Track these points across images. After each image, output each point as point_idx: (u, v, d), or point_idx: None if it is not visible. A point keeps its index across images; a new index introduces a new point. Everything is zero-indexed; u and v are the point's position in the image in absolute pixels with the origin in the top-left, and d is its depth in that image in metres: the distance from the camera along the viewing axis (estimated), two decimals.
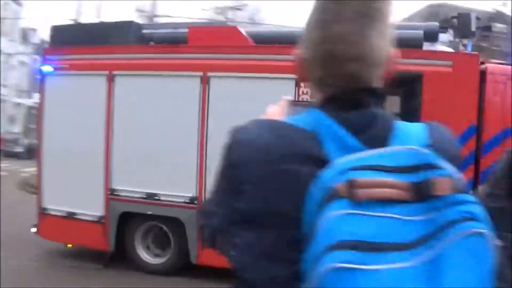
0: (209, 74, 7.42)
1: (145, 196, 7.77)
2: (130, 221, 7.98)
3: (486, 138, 6.63)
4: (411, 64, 6.36)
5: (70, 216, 8.02)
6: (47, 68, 8.13)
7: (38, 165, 8.35)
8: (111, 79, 7.90)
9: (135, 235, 8.06)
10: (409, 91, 6.89)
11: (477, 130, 6.60)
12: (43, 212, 8.26)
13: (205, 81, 7.42)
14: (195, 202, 7.47)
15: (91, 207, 7.88)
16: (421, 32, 7.14)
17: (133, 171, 7.69)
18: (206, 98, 7.40)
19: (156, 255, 8.16)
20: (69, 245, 8.45)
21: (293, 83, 6.84)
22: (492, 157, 6.07)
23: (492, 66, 6.95)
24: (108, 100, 7.88)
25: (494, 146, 6.57)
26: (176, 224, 7.69)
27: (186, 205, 7.51)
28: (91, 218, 7.94)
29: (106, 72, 7.92)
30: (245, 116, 1.33)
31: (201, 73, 7.44)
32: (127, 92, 7.81)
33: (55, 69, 8.06)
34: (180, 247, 7.83)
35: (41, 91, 8.32)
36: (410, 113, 6.47)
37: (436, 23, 7.93)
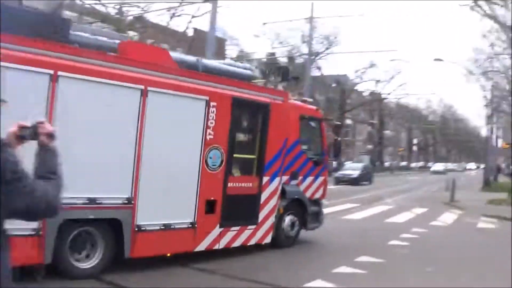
0: (149, 88, 8.85)
1: (85, 201, 8.20)
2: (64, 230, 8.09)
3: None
4: (263, 97, 11.14)
5: None
6: None
7: None
8: (55, 80, 7.72)
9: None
10: (262, 114, 11.19)
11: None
12: None
13: (145, 94, 8.78)
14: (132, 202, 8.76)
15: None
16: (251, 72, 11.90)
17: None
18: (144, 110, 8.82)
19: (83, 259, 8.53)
20: None
21: (204, 102, 9.73)
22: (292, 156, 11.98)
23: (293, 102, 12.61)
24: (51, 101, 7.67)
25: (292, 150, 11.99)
26: (108, 224, 8.60)
27: (124, 205, 8.68)
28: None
29: (51, 72, 7.67)
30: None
31: (142, 87, 8.76)
32: (71, 94, 7.84)
33: None
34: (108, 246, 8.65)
35: None
36: (263, 127, 11.19)
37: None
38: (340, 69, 72.12)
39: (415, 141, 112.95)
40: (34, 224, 7.45)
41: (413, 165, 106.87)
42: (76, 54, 8.00)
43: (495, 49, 42.41)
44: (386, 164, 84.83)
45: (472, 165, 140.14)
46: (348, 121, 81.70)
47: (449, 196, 27.75)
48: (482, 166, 65.41)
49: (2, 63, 6.60)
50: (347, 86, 67.59)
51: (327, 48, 51.93)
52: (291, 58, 51.54)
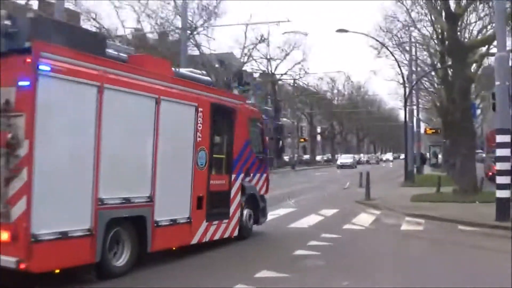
0: (161, 97, 12.21)
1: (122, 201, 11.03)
2: None
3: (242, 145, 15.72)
4: (230, 102, 15.11)
5: None
6: (43, 67, 9.22)
7: None
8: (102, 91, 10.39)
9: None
10: (230, 117, 15.04)
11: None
12: None
13: (159, 102, 12.12)
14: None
15: None
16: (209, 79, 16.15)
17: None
18: None
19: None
20: None
21: (194, 108, 13.27)
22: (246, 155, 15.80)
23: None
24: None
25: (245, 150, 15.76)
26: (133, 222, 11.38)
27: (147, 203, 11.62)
28: None
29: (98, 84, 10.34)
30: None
31: (156, 96, 11.99)
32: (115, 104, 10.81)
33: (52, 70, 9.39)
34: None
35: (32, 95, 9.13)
36: (230, 129, 15.12)
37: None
38: (224, 46, 72.45)
39: (318, 129, 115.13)
40: (87, 225, 9.99)
41: (318, 158, 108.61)
42: (116, 68, 10.95)
43: (413, 16, 43.61)
44: (285, 158, 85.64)
45: (389, 156, 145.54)
46: None
47: (364, 194, 28.03)
48: (402, 156, 67.47)
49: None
50: (233, 67, 67.51)
51: (205, 21, 51.20)
52: (163, 34, 50.47)
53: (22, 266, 8.90)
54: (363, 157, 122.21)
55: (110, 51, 11.84)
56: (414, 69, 51.12)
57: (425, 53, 53.70)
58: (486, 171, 39.28)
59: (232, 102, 15.49)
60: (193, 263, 12.57)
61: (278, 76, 76.95)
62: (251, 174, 16.40)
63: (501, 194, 18.34)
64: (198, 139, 13.43)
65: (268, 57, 71.04)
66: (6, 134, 9.15)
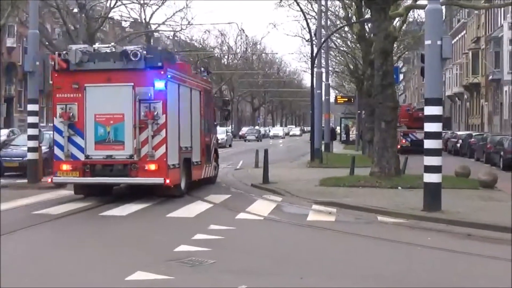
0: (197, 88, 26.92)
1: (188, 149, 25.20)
2: None
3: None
4: (208, 86, 29.68)
5: None
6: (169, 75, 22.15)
7: None
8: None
9: None
10: (209, 96, 29.26)
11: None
12: None
13: (203, 92, 27.52)
14: None
15: None
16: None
17: None
18: None
19: None
20: None
21: (199, 92, 26.69)
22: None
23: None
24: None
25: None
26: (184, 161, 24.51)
27: (189, 151, 25.25)
28: None
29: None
30: None
31: (200, 89, 26.89)
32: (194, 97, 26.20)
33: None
34: None
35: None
36: (210, 104, 29.44)
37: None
38: None
39: None
40: (177, 159, 22.63)
41: None
42: (190, 75, 25.79)
43: None
44: None
45: (296, 130, 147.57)
46: None
47: (262, 176, 28.17)
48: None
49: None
50: (96, 13, 66.37)
51: None
52: None
53: (166, 182, 21.25)
54: (263, 130, 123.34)
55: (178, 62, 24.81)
56: (323, 23, 51.54)
57: (337, 3, 54.49)
58: None
59: (209, 86, 29.34)
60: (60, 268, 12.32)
61: (154, 27, 76.09)
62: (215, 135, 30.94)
63: (430, 178, 18.66)
64: (202, 111, 26.52)
65: (142, 1, 70.25)
66: (152, 112, 21.29)
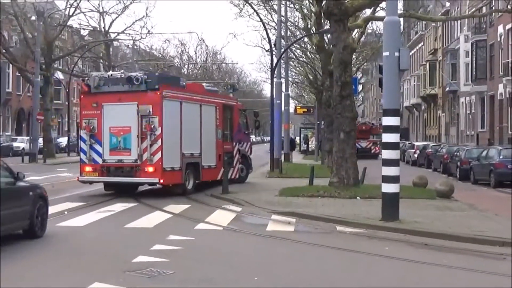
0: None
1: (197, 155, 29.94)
2: None
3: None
4: (230, 102, 34.81)
5: None
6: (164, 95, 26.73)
7: None
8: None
9: None
10: (230, 110, 33.96)
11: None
12: None
13: (221, 108, 32.56)
14: None
15: None
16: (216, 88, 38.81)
17: None
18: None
19: None
20: None
21: (214, 107, 31.52)
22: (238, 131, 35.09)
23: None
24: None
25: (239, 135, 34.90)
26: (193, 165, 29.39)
27: (199, 156, 29.84)
28: None
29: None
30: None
31: (215, 105, 31.83)
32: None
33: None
34: None
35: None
36: (231, 117, 33.91)
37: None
38: None
39: None
40: (179, 164, 27.30)
41: None
42: (187, 92, 29.62)
43: None
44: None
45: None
46: (60, 75, 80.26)
47: (222, 186, 28.10)
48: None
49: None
50: (54, 21, 65.84)
51: None
52: None
53: (160, 181, 26.17)
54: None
55: (182, 83, 30.00)
56: (283, 33, 51.58)
57: (297, 13, 54.59)
58: None
59: (231, 102, 34.24)
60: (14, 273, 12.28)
61: (113, 35, 75.71)
62: (242, 143, 34.59)
63: (388, 188, 18.75)
64: (217, 123, 30.91)
65: (101, 9, 69.89)
66: (150, 125, 25.65)
